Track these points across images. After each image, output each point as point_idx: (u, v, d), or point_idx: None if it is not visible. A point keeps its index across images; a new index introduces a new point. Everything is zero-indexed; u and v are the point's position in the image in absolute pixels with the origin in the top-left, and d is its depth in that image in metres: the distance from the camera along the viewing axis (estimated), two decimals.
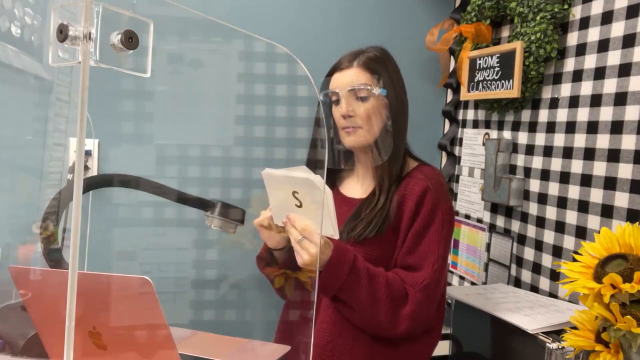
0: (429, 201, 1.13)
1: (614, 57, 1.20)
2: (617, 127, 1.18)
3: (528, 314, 1.14)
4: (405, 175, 1.19)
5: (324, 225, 0.98)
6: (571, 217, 1.30)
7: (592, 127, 1.25)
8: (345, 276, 1.04)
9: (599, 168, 1.22)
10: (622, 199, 1.16)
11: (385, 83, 1.16)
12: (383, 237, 1.14)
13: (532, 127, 1.46)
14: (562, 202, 1.33)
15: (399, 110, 1.18)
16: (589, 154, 1.26)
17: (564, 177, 1.33)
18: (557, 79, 1.37)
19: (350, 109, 1.15)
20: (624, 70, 1.17)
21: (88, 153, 1.57)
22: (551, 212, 1.36)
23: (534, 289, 1.41)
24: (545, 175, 1.40)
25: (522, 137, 1.50)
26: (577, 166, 1.29)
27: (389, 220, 1.14)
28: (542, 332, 1.05)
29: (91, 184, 1.14)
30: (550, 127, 1.39)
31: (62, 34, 0.52)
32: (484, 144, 1.67)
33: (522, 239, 1.48)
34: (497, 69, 1.50)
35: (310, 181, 0.95)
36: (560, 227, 1.33)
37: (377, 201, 1.15)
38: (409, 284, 1.10)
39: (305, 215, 0.99)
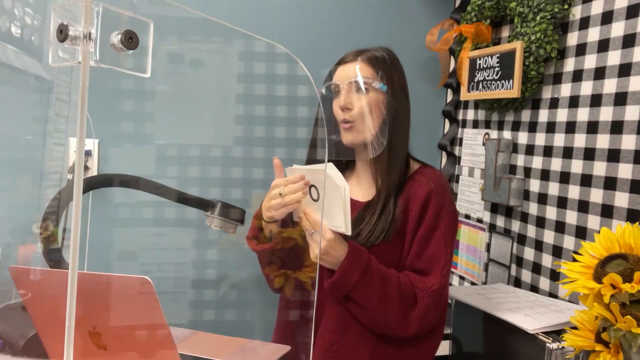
0: (434, 205, 1.13)
1: (614, 57, 1.20)
2: (617, 127, 1.18)
3: (528, 314, 1.14)
4: (408, 178, 1.19)
5: (337, 219, 1.00)
6: (571, 217, 1.30)
7: (592, 127, 1.25)
8: (359, 276, 1.04)
9: (599, 168, 1.22)
10: (622, 199, 1.16)
11: (388, 83, 1.15)
12: (389, 242, 1.14)
13: (532, 127, 1.46)
14: (562, 202, 1.33)
15: (401, 113, 1.17)
16: (589, 154, 1.26)
17: (564, 177, 1.33)
18: (557, 79, 1.37)
19: (349, 101, 1.14)
20: (624, 70, 1.17)
21: (88, 153, 1.57)
22: (551, 212, 1.36)
23: (534, 289, 1.41)
24: (545, 175, 1.40)
25: (522, 137, 1.49)
26: (577, 166, 1.29)
27: (395, 225, 1.13)
28: (542, 332, 1.05)
29: (91, 184, 1.14)
30: (550, 127, 1.38)
31: (62, 34, 0.52)
32: (484, 144, 1.67)
33: (522, 239, 1.48)
34: (497, 69, 1.50)
35: (328, 175, 0.97)
36: (560, 227, 1.33)
37: (381, 206, 1.14)
38: (418, 287, 1.10)
39: (319, 209, 1.01)
